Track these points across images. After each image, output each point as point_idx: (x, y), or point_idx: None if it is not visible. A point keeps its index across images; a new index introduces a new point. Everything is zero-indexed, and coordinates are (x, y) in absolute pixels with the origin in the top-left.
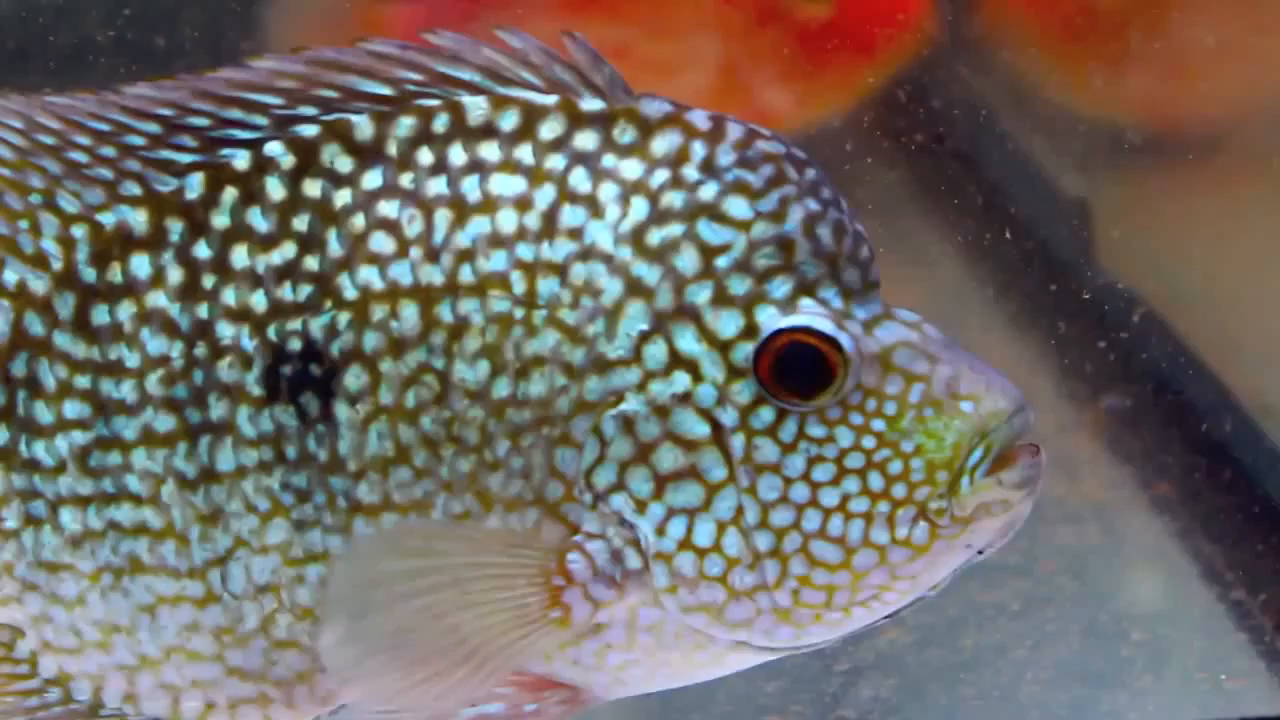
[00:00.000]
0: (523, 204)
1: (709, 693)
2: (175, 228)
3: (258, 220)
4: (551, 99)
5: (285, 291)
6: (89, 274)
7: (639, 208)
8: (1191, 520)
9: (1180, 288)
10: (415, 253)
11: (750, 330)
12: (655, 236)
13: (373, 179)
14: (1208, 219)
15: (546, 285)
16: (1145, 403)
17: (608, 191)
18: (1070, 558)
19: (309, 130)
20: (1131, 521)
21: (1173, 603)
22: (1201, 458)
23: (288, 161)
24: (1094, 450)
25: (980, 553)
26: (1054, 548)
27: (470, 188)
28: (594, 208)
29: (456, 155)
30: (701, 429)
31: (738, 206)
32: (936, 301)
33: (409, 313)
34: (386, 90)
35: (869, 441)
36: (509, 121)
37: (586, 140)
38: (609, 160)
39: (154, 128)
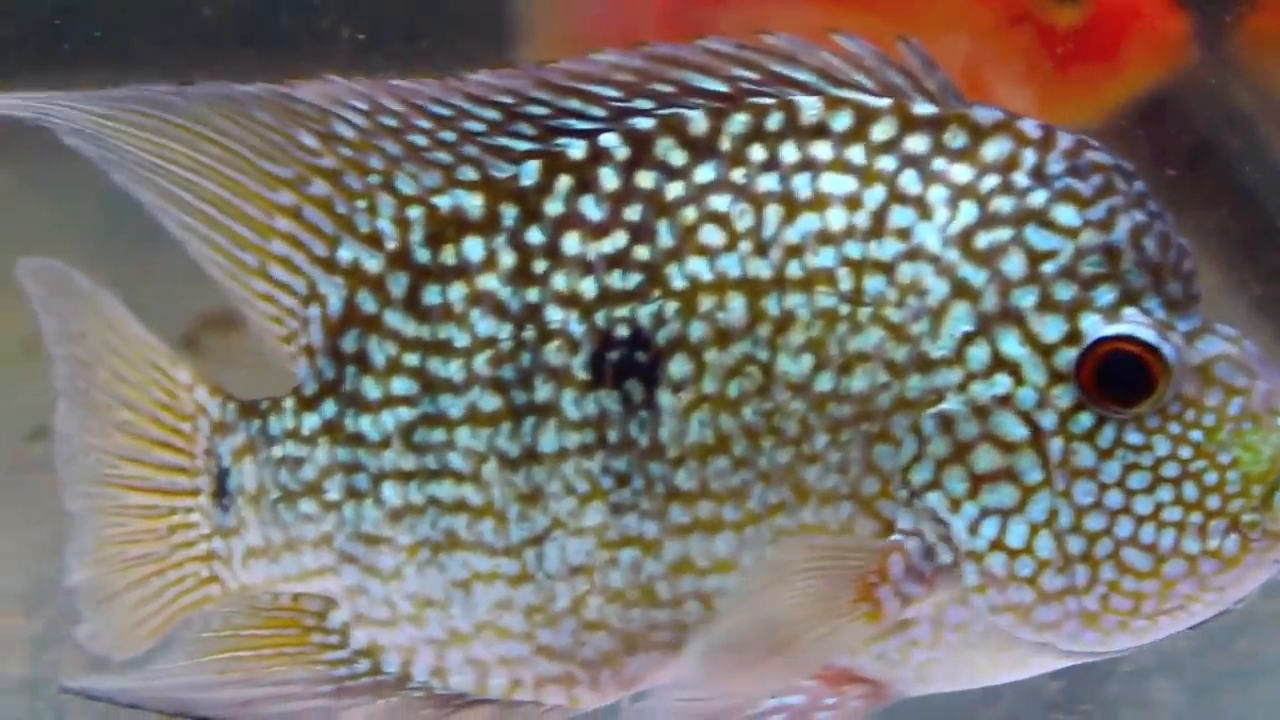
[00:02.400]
0: (852, 203)
1: (994, 688)
2: (509, 213)
3: (591, 209)
4: (884, 102)
5: (615, 279)
6: (422, 255)
7: (968, 211)
8: None
9: None
10: (744, 246)
11: (1074, 336)
12: (983, 240)
13: (705, 173)
14: None
15: (873, 283)
16: None
17: (937, 194)
18: None
19: (644, 123)
20: None
21: None
22: None
23: (622, 153)
24: None
25: None
26: None
27: (801, 185)
28: (923, 209)
29: (789, 153)
30: (1020, 431)
31: (1066, 214)
32: None
33: (736, 304)
34: (722, 87)
35: (1185, 451)
36: (841, 122)
37: (918, 143)
38: (939, 163)
39: (493, 115)
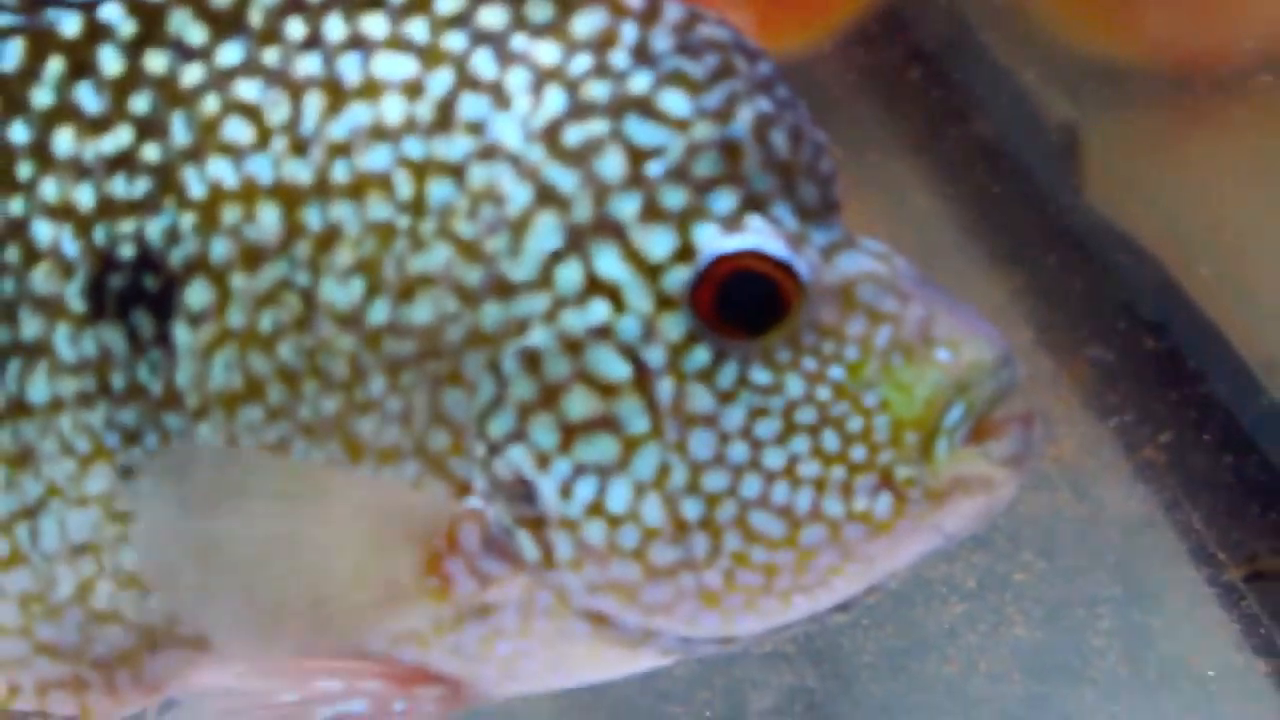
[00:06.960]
0: (412, 90)
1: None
2: None
3: (88, 99)
4: None
5: (118, 186)
6: None
7: (554, 100)
8: (1180, 490)
9: (1183, 230)
10: (278, 144)
11: (685, 252)
12: (573, 135)
13: (229, 54)
14: (1225, 160)
15: (438, 189)
16: (1134, 355)
17: (517, 79)
18: (1038, 529)
19: None
20: (1112, 490)
21: (1154, 585)
22: (1195, 418)
23: (127, 29)
24: (1073, 407)
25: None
26: (1020, 517)
27: (349, 68)
28: (499, 98)
29: (334, 29)
30: (621, 370)
31: (675, 102)
32: (905, 235)
33: (268, 217)
34: None
35: (824, 392)
36: None
37: (492, 17)
38: (519, 42)
39: None
